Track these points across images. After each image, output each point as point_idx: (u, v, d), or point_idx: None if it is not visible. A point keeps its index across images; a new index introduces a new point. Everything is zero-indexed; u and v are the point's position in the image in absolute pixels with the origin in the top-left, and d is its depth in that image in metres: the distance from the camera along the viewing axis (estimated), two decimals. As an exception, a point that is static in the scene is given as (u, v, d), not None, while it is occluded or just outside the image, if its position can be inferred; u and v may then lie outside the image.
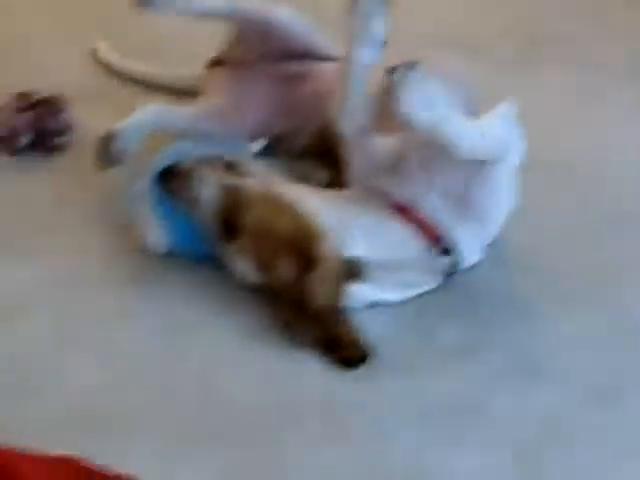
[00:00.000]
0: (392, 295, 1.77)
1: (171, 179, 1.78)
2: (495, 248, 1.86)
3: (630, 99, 2.47)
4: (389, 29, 1.72)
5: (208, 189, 1.75)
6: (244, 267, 1.73)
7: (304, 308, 1.68)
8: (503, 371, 1.67)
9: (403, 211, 1.76)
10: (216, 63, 2.24)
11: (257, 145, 2.12)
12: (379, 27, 1.73)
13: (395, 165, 1.80)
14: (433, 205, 1.76)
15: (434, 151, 1.70)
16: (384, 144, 1.83)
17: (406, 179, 1.78)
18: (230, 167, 1.80)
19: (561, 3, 2.93)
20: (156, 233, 1.82)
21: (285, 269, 1.70)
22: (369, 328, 1.70)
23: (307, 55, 2.19)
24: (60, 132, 2.19)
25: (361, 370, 1.65)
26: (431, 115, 1.62)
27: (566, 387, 1.64)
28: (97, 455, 1.41)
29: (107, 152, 1.97)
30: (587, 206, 2.07)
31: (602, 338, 1.75)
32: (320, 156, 2.05)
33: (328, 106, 1.98)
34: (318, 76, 2.13)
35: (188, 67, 2.31)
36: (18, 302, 1.77)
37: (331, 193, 1.82)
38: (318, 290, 1.67)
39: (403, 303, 1.77)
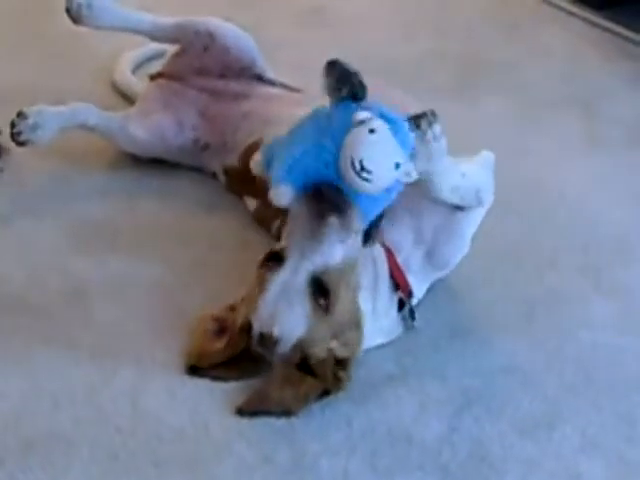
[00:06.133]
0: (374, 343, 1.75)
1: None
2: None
3: (566, 127, 2.51)
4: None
5: None
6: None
7: None
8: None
9: (388, 253, 1.76)
10: (158, 76, 2.28)
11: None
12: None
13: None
14: (408, 252, 1.78)
15: (418, 192, 1.67)
16: None
17: (393, 222, 1.76)
18: None
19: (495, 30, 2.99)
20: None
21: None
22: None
23: (244, 73, 2.22)
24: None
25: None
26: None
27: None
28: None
29: (16, 128, 2.08)
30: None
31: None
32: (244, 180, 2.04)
33: (256, 129, 2.03)
34: (252, 97, 2.17)
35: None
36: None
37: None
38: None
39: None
